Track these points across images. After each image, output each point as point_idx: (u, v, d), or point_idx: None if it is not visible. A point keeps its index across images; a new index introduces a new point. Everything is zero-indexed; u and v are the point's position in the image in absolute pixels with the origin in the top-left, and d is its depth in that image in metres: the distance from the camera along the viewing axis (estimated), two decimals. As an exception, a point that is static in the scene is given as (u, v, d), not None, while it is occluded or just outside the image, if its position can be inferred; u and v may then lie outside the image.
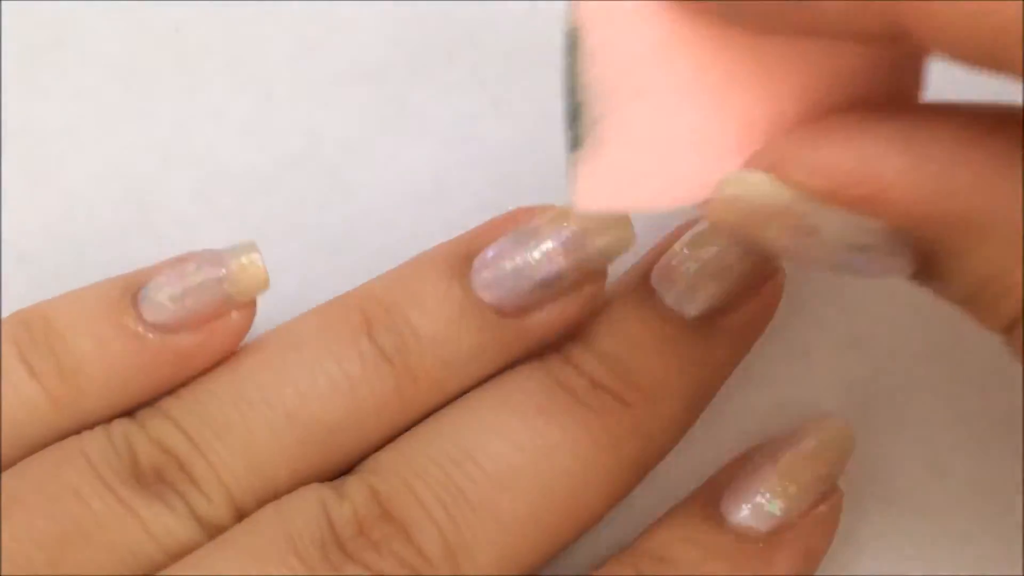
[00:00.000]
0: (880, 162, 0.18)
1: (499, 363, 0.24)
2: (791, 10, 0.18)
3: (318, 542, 0.22)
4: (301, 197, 0.27)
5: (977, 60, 0.17)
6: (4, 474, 0.22)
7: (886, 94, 0.20)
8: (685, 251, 0.24)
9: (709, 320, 0.24)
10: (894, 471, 0.26)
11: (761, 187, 0.18)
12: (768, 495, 0.23)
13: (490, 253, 0.24)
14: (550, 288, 0.23)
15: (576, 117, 0.19)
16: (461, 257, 0.24)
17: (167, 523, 0.22)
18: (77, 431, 0.23)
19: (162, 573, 0.22)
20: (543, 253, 0.23)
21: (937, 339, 0.26)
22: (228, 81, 0.27)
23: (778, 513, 0.23)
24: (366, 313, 0.24)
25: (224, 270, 0.23)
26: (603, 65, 0.19)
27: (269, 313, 0.24)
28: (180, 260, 0.24)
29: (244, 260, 0.23)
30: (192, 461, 0.22)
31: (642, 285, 0.24)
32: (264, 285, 0.24)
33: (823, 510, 0.23)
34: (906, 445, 0.26)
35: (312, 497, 0.22)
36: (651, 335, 0.23)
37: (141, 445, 0.23)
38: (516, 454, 0.23)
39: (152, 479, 0.22)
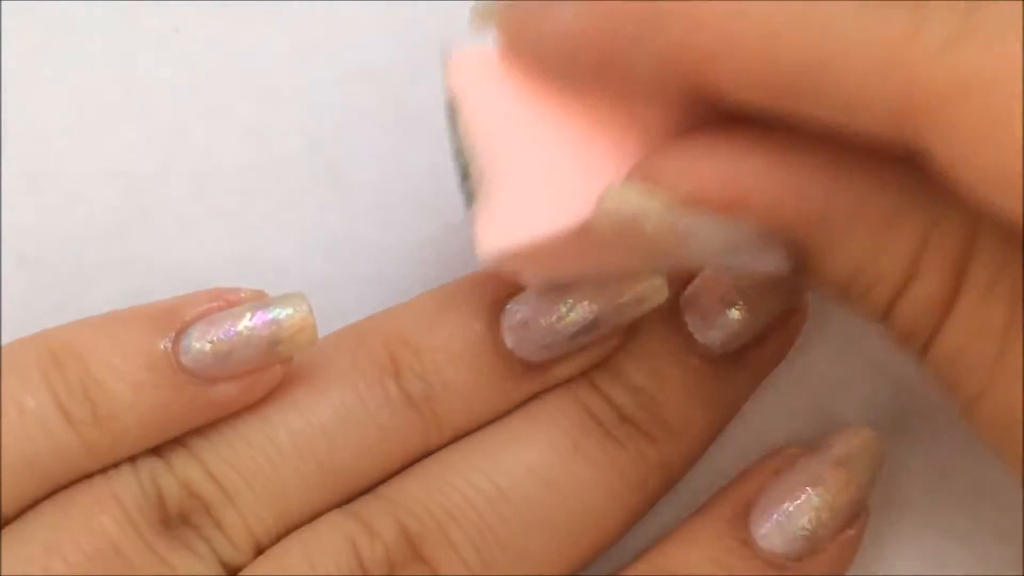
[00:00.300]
0: (740, 169, 0.19)
1: (519, 404, 0.24)
2: (615, 77, 0.20)
3: None
4: (301, 197, 0.27)
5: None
6: (36, 515, 0.22)
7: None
8: (715, 284, 0.24)
9: (736, 354, 0.24)
10: (897, 472, 0.25)
11: (634, 199, 0.19)
12: (800, 521, 0.23)
13: (523, 303, 0.23)
14: (579, 342, 0.23)
15: (465, 176, 0.21)
16: (490, 301, 0.24)
17: (195, 570, 0.22)
18: (103, 469, 0.22)
19: None
20: (578, 313, 0.23)
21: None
22: (228, 81, 0.27)
23: (808, 539, 0.23)
24: (394, 354, 0.23)
25: (274, 324, 0.22)
26: (478, 128, 0.21)
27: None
28: (219, 295, 0.23)
29: (296, 316, 0.22)
30: (221, 508, 0.22)
31: (671, 315, 0.24)
32: (314, 339, 0.23)
33: (851, 534, 0.23)
34: (908, 446, 0.26)
35: (340, 534, 0.22)
36: (679, 369, 0.24)
37: (170, 488, 0.22)
38: (549, 494, 0.23)
39: (178, 521, 0.22)
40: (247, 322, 0.22)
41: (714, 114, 0.20)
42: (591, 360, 0.24)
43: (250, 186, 0.27)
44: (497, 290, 0.24)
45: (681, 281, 0.24)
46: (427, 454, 0.23)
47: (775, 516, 0.23)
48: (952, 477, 0.25)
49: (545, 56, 0.20)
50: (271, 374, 0.23)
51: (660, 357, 0.24)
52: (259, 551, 0.22)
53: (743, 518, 0.23)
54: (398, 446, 0.23)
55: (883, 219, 0.19)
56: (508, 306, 0.23)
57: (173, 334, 0.22)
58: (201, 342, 0.22)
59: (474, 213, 0.21)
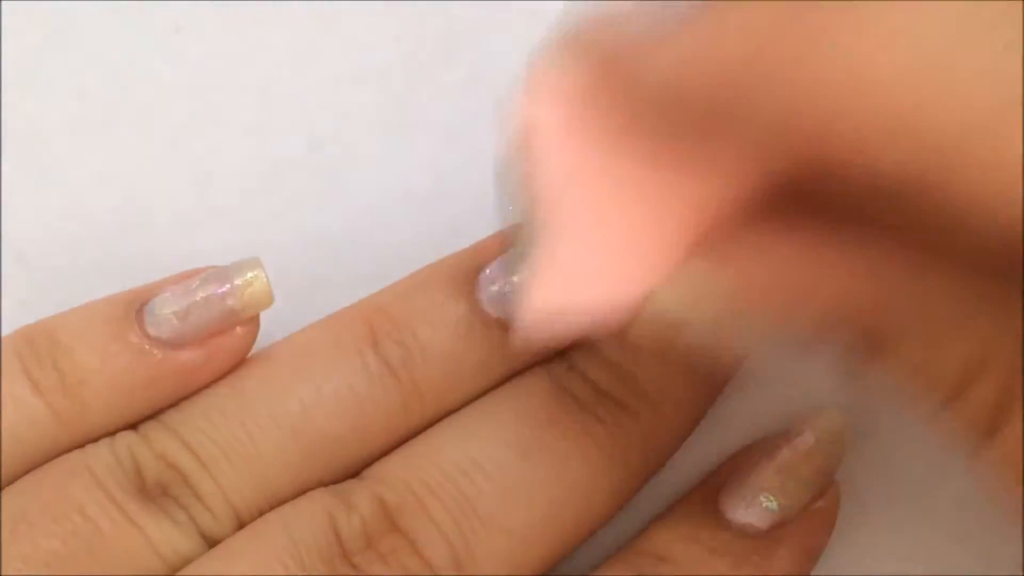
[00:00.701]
0: (802, 264, 0.18)
1: (504, 375, 0.24)
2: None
3: (325, 554, 0.22)
4: (301, 197, 0.27)
5: None
6: (8, 491, 0.22)
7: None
8: None
9: None
10: (895, 471, 0.26)
11: (686, 296, 0.19)
12: (767, 492, 0.23)
13: (496, 268, 0.24)
14: None
15: (518, 232, 0.20)
16: (467, 272, 0.24)
17: (172, 539, 0.22)
18: (80, 445, 0.23)
19: None
20: None
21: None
22: (228, 81, 0.27)
23: (777, 510, 0.23)
24: (372, 326, 0.23)
25: (228, 286, 0.23)
26: (542, 178, 0.20)
27: (269, 314, 0.24)
28: (184, 276, 0.24)
29: (249, 276, 0.23)
30: (199, 479, 0.22)
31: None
32: (268, 301, 0.23)
33: (821, 505, 0.24)
34: (907, 445, 0.26)
35: (319, 507, 0.22)
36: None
37: (146, 459, 0.22)
38: (526, 466, 0.23)
39: (156, 493, 0.22)
40: (205, 287, 0.23)
41: (774, 205, 0.19)
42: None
43: (250, 186, 0.27)
44: (472, 260, 0.24)
45: None
46: (410, 425, 0.23)
47: (743, 491, 0.23)
48: (953, 477, 0.25)
49: (639, 97, 0.19)
50: (236, 339, 0.23)
51: (631, 330, 0.24)
52: (239, 521, 0.23)
53: (713, 498, 0.24)
54: (377, 413, 0.23)
55: (943, 324, 0.18)
56: (484, 272, 0.24)
57: (138, 306, 0.23)
58: (162, 308, 0.23)
59: (525, 274, 0.20)
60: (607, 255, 0.20)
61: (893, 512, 0.25)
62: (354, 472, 0.24)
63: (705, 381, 0.24)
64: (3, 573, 0.21)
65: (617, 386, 0.23)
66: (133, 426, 0.23)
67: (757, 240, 0.19)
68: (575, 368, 0.24)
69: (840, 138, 0.16)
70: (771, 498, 0.23)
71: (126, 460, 0.22)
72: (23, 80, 0.27)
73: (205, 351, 0.23)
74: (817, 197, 0.17)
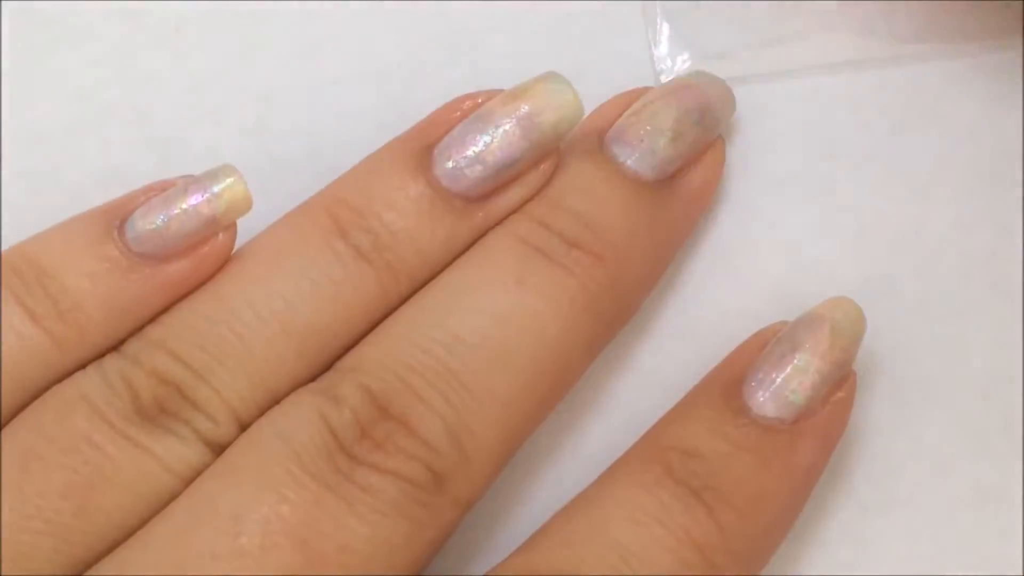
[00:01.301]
0: None
1: (469, 244, 0.24)
2: None
3: (324, 454, 0.22)
4: (301, 198, 0.27)
5: None
6: (9, 429, 0.22)
7: None
8: (640, 117, 0.25)
9: (665, 183, 0.25)
10: (895, 472, 0.26)
11: None
12: (790, 386, 0.23)
13: (450, 143, 0.24)
14: (510, 170, 0.24)
15: None
16: (420, 150, 0.24)
17: (180, 453, 0.22)
18: (78, 367, 0.23)
19: (169, 506, 0.22)
20: (501, 137, 0.24)
21: (938, 341, 0.26)
22: (227, 82, 0.27)
23: (801, 403, 0.23)
24: (337, 217, 0.24)
25: (207, 194, 0.24)
26: None
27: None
28: (157, 187, 0.24)
29: (226, 182, 0.24)
30: (195, 388, 0.23)
31: (599, 147, 0.25)
32: (248, 205, 0.24)
33: (841, 396, 0.24)
34: (907, 447, 0.26)
35: (307, 408, 0.22)
36: (616, 192, 0.24)
37: (139, 380, 0.23)
38: (503, 328, 0.23)
39: (155, 412, 0.22)
40: (182, 196, 0.24)
41: None
42: (527, 193, 0.25)
43: (251, 186, 0.27)
44: (422, 137, 0.25)
45: (600, 128, 0.25)
46: (388, 306, 0.24)
47: (765, 384, 0.23)
48: (952, 477, 0.25)
49: None
50: (218, 246, 0.24)
51: (597, 184, 0.24)
52: (240, 423, 0.23)
53: (736, 391, 0.24)
54: (356, 298, 0.24)
55: None
56: (436, 148, 0.24)
57: (117, 223, 0.24)
58: (143, 223, 0.23)
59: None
60: None
61: (895, 513, 0.25)
62: (334, 353, 0.24)
63: (664, 232, 0.25)
64: (24, 511, 0.21)
65: (584, 233, 0.24)
66: (118, 345, 0.23)
67: None
68: (541, 221, 0.24)
69: None
70: (796, 392, 0.23)
71: (119, 384, 0.23)
72: (23, 80, 0.27)
73: (190, 261, 0.24)
74: None
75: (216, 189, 0.24)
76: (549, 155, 0.25)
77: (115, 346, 0.23)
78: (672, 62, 0.27)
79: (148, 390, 0.23)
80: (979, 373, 0.26)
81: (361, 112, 0.27)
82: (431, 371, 0.22)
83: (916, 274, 0.26)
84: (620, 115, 0.25)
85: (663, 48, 0.27)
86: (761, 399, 0.23)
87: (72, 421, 0.22)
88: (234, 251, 0.24)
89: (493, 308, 0.23)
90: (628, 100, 0.25)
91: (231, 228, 0.24)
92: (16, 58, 0.27)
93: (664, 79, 0.27)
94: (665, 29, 0.27)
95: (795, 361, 0.23)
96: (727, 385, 0.24)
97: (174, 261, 0.24)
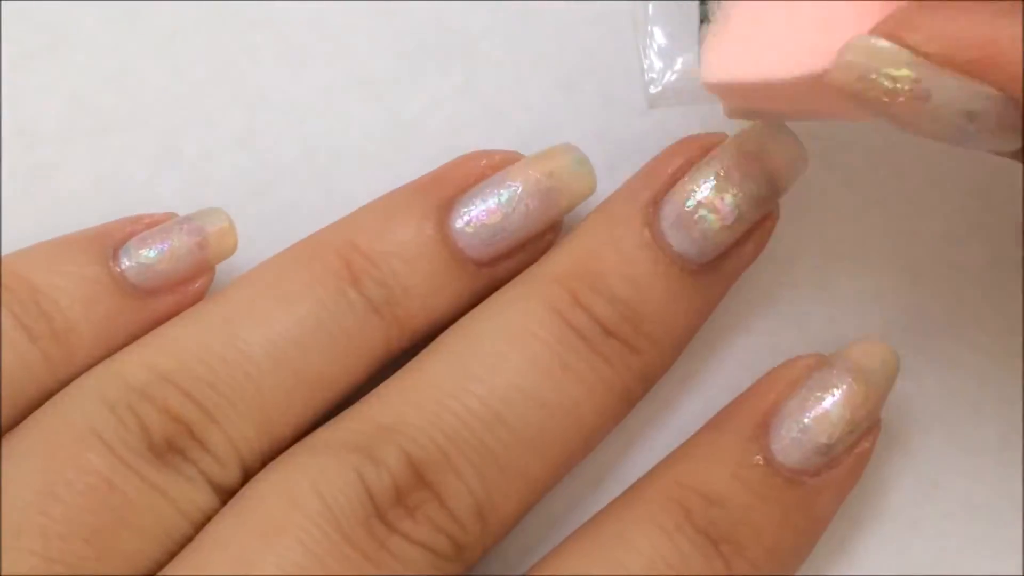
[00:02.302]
0: (993, 28, 0.18)
1: (472, 305, 0.25)
2: None
3: (361, 518, 0.22)
4: (293, 205, 0.27)
5: None
6: (16, 461, 0.22)
7: None
8: (697, 194, 0.24)
9: (713, 264, 0.24)
10: (887, 487, 0.25)
11: (879, 52, 0.19)
12: (821, 439, 0.23)
13: (470, 206, 0.24)
14: (522, 241, 0.24)
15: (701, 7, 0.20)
16: (438, 205, 0.24)
17: (189, 495, 0.22)
18: (60, 387, 0.23)
19: (199, 553, 0.22)
20: (521, 211, 0.24)
21: (931, 353, 0.26)
22: (221, 88, 0.27)
23: (828, 454, 0.23)
24: (350, 263, 0.24)
25: (201, 235, 0.24)
26: None
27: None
28: (152, 220, 0.25)
29: (219, 226, 0.25)
30: (205, 429, 0.23)
31: (650, 222, 0.24)
32: (234, 248, 0.25)
33: (865, 447, 0.24)
34: (899, 461, 0.26)
35: (347, 466, 0.22)
36: (662, 280, 0.24)
37: (150, 416, 0.22)
38: (543, 414, 0.23)
39: (164, 449, 0.22)
40: (178, 234, 0.24)
41: None
42: (531, 259, 0.25)
43: (242, 194, 0.27)
44: (442, 191, 0.25)
45: (654, 191, 0.24)
46: (389, 356, 0.24)
47: (794, 431, 0.23)
48: (944, 490, 0.25)
49: None
50: (200, 285, 0.24)
51: (639, 265, 0.24)
52: (244, 468, 0.23)
53: (762, 432, 0.23)
54: (364, 350, 0.24)
55: None
56: (455, 210, 0.24)
57: (110, 252, 0.24)
58: (140, 256, 0.24)
59: (705, 35, 0.20)
60: (788, 27, 0.20)
61: (885, 525, 0.25)
62: (337, 405, 0.24)
63: (699, 318, 0.25)
64: (48, 555, 0.21)
65: (624, 326, 0.24)
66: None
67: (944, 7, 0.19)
68: (581, 304, 0.24)
69: None
70: (825, 444, 0.23)
71: (129, 419, 0.22)
72: (18, 85, 0.27)
73: (175, 298, 0.24)
74: None
75: (208, 228, 0.24)
76: (556, 226, 0.25)
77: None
78: (664, 67, 0.27)
79: (159, 427, 0.22)
80: (971, 388, 0.26)
81: (354, 120, 0.27)
82: (469, 446, 0.22)
83: (908, 287, 0.26)
84: (675, 178, 0.24)
85: (652, 55, 0.27)
86: (786, 446, 0.23)
87: (88, 460, 0.22)
88: (242, 278, 0.25)
89: (537, 392, 0.23)
90: (684, 156, 0.24)
91: (212, 270, 0.25)
92: (11, 62, 0.27)
93: (653, 89, 0.27)
94: (657, 34, 0.27)
95: (827, 412, 0.23)
96: (754, 427, 0.23)
97: (162, 296, 0.24)
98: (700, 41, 0.21)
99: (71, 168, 0.27)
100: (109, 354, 0.24)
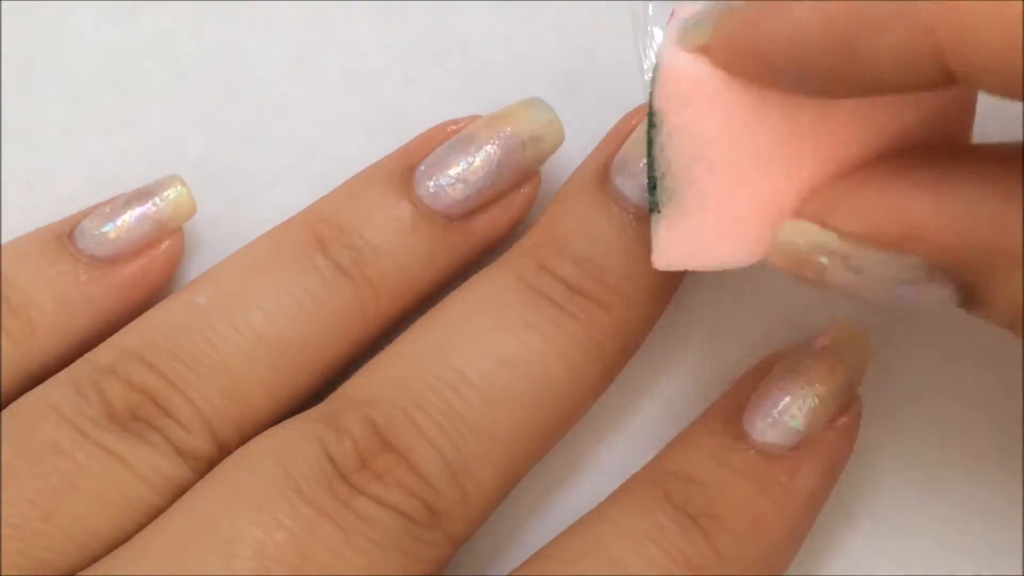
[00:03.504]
0: (911, 204, 0.19)
1: (451, 266, 0.25)
2: (849, 72, 0.19)
3: (323, 481, 0.22)
4: (293, 205, 0.27)
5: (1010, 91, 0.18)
6: None
7: (939, 135, 0.21)
8: (640, 143, 0.24)
9: None
10: (887, 487, 0.26)
11: (808, 234, 0.20)
12: (791, 411, 0.23)
13: (432, 162, 0.25)
14: (491, 191, 0.24)
15: (655, 186, 0.21)
16: (402, 170, 0.25)
17: (153, 461, 0.22)
18: (34, 365, 0.24)
19: (162, 519, 0.22)
20: (482, 158, 0.24)
21: (930, 356, 0.26)
22: (221, 88, 0.27)
23: (801, 429, 0.23)
24: (318, 233, 0.24)
25: (154, 200, 0.25)
26: (680, 144, 0.21)
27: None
28: (110, 199, 0.25)
29: (171, 189, 0.25)
30: (168, 396, 0.23)
31: (602, 180, 0.24)
32: (192, 210, 0.25)
33: (844, 421, 0.24)
34: (898, 461, 0.26)
35: (308, 435, 0.22)
36: (620, 232, 0.24)
37: (111, 387, 0.23)
38: (509, 372, 0.23)
39: (127, 419, 0.23)
40: (129, 202, 0.25)
41: (891, 140, 0.21)
42: (509, 216, 0.25)
43: (242, 193, 0.27)
44: (405, 159, 0.25)
45: (606, 156, 0.24)
46: (367, 323, 0.24)
47: (766, 411, 0.23)
48: (944, 491, 0.25)
49: (773, 59, 0.20)
50: (167, 248, 0.25)
51: (601, 224, 0.24)
52: (214, 433, 0.23)
53: (737, 418, 0.24)
54: (335, 313, 0.24)
55: None
56: (418, 168, 0.25)
57: (67, 232, 0.25)
58: (93, 228, 0.25)
59: (656, 223, 0.22)
60: (732, 216, 0.21)
61: (885, 528, 0.25)
62: (321, 379, 0.24)
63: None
64: None
65: (588, 282, 0.24)
66: (86, 350, 0.24)
67: (872, 178, 0.20)
68: (546, 267, 0.24)
69: (972, 43, 0.17)
70: (795, 417, 0.23)
71: (90, 391, 0.23)
72: (18, 84, 0.27)
73: (139, 263, 0.25)
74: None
75: (161, 195, 0.25)
76: (530, 178, 0.25)
77: (77, 346, 0.24)
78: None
79: (120, 398, 0.23)
80: (971, 389, 0.26)
81: (352, 120, 0.27)
82: (436, 409, 0.23)
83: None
84: (623, 136, 0.25)
85: (652, 55, 0.27)
86: (761, 425, 0.23)
87: (39, 430, 0.22)
88: (215, 265, 0.25)
89: (500, 351, 0.23)
90: (634, 121, 0.25)
91: (178, 233, 0.25)
92: (11, 64, 0.27)
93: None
94: (657, 34, 0.27)
95: (795, 386, 0.23)
96: (729, 412, 0.24)
97: (123, 263, 0.25)
98: (652, 230, 0.22)
99: (71, 168, 0.27)
100: (75, 326, 0.24)
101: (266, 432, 0.23)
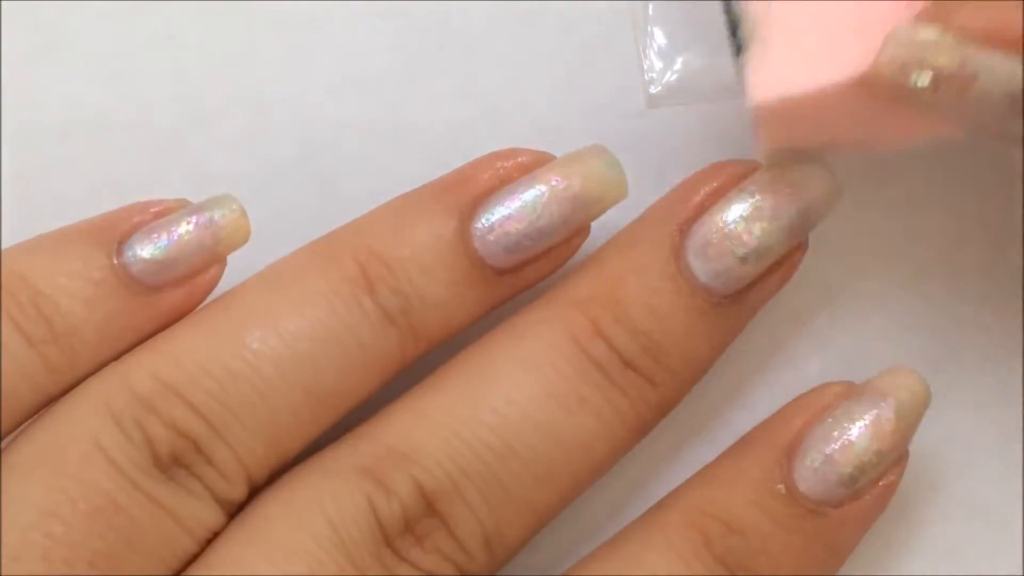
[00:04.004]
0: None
1: (489, 312, 0.24)
2: None
3: (370, 545, 0.22)
4: (294, 206, 0.27)
5: None
6: (18, 475, 0.22)
7: None
8: (727, 225, 0.23)
9: (738, 297, 0.24)
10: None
11: (923, 39, 0.19)
12: (847, 470, 0.22)
13: (493, 214, 0.23)
14: (547, 246, 0.24)
15: (737, 24, 0.21)
16: (458, 209, 0.24)
17: (195, 511, 0.22)
18: (65, 391, 0.22)
19: (206, 574, 0.22)
20: (547, 218, 0.23)
21: (931, 355, 0.26)
22: (221, 89, 0.27)
23: (852, 486, 0.23)
24: (365, 269, 0.23)
25: (212, 224, 0.23)
26: None
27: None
28: (156, 207, 0.24)
29: (233, 218, 0.23)
30: (211, 444, 0.22)
31: (676, 252, 0.23)
32: (247, 238, 0.24)
33: (891, 479, 0.23)
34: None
35: (358, 492, 0.22)
36: (684, 313, 0.23)
37: (156, 430, 0.22)
38: (556, 448, 0.23)
39: (169, 464, 0.22)
40: (186, 226, 0.23)
41: None
42: (554, 268, 0.24)
43: (242, 195, 0.27)
44: (464, 193, 0.24)
45: (681, 219, 0.24)
46: (403, 364, 0.23)
47: (818, 460, 0.23)
48: (944, 490, 0.25)
49: None
50: (210, 276, 0.23)
51: (662, 296, 0.23)
52: (251, 483, 0.22)
53: (786, 460, 0.23)
54: (378, 362, 0.23)
55: None
56: (477, 216, 0.23)
57: (115, 246, 0.23)
58: (145, 251, 0.23)
59: (745, 61, 0.21)
60: (828, 35, 0.20)
61: (883, 527, 0.25)
62: (345, 414, 0.23)
63: (719, 350, 0.24)
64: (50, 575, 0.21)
65: (643, 358, 0.23)
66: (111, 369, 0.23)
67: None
68: (601, 333, 0.23)
69: None
70: (851, 475, 0.22)
71: (134, 433, 0.22)
72: (16, 86, 0.27)
73: (184, 291, 0.23)
74: None
75: (218, 218, 0.23)
76: (581, 233, 0.24)
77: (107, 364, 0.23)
78: (664, 67, 0.27)
79: (165, 441, 0.22)
80: (972, 389, 0.26)
81: (354, 120, 0.27)
82: (480, 476, 0.22)
83: (908, 288, 0.26)
84: (704, 205, 0.23)
85: (652, 55, 0.27)
86: (811, 478, 0.23)
87: (92, 478, 0.21)
88: (254, 287, 0.24)
89: (551, 426, 0.23)
90: (714, 182, 0.24)
91: (223, 260, 0.24)
92: (10, 65, 0.27)
93: (653, 89, 0.27)
94: (657, 34, 0.27)
95: (853, 443, 0.23)
96: (778, 455, 0.23)
97: (169, 290, 0.23)
98: (740, 70, 0.21)
99: (71, 168, 0.27)
100: (115, 355, 0.23)
101: (302, 475, 0.22)
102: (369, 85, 0.27)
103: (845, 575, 0.25)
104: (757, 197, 0.23)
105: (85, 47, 0.27)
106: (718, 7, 0.25)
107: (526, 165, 0.24)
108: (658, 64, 0.26)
